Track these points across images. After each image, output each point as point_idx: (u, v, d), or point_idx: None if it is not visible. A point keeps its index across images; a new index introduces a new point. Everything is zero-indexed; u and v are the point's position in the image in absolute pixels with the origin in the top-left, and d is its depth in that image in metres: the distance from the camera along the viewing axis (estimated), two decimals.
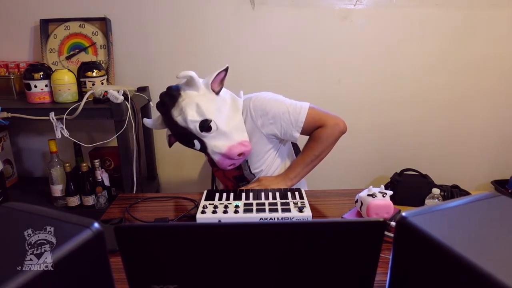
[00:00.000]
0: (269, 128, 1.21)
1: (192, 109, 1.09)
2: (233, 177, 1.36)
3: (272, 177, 1.29)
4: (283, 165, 1.37)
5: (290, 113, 1.20)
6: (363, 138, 1.96)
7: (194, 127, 1.10)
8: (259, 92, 1.26)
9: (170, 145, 1.28)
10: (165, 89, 1.16)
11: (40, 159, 1.99)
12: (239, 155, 1.14)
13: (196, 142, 1.13)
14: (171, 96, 1.11)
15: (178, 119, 1.10)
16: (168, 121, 1.13)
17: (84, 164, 1.59)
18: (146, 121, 1.25)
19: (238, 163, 1.20)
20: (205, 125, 1.09)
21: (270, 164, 1.33)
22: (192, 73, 1.09)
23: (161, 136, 1.95)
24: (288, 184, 1.26)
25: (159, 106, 1.14)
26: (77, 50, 1.76)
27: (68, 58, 1.76)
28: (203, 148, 1.14)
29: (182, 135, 1.13)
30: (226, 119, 1.13)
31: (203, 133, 1.10)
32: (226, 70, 1.16)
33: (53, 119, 1.45)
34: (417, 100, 1.90)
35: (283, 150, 1.37)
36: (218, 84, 1.16)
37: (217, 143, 1.12)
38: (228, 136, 1.13)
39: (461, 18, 1.77)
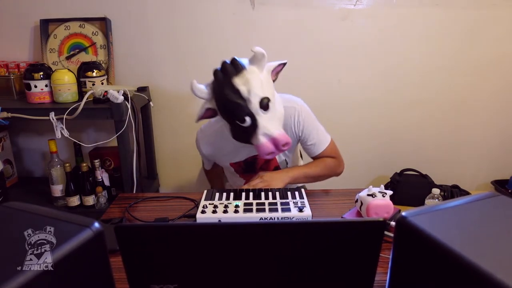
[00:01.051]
0: (294, 138, 1.27)
1: (257, 83, 1.07)
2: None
3: (273, 172, 1.29)
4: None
5: (315, 144, 1.30)
6: (363, 138, 1.96)
7: (255, 101, 1.06)
8: (299, 100, 1.30)
9: (199, 119, 1.19)
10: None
11: (40, 159, 1.99)
12: (284, 145, 1.10)
13: (247, 118, 1.08)
14: (236, 66, 1.08)
15: (242, 88, 1.06)
16: (222, 89, 1.08)
17: (84, 164, 1.59)
18: (196, 86, 1.12)
19: (275, 155, 1.16)
20: (265, 103, 1.07)
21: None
22: (265, 53, 1.08)
23: (161, 136, 1.95)
24: (286, 181, 1.25)
25: (218, 72, 1.10)
26: (77, 50, 1.76)
27: (68, 58, 1.76)
28: (252, 127, 1.09)
29: (234, 108, 1.07)
30: (278, 107, 1.13)
31: (260, 110, 1.07)
32: (284, 64, 1.17)
33: (53, 119, 1.45)
34: (417, 100, 1.90)
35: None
36: (274, 74, 1.17)
37: (269, 125, 1.08)
38: (279, 122, 1.13)
39: (461, 18, 1.77)
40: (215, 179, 1.61)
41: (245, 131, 1.11)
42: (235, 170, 1.38)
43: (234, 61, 1.09)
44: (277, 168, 1.36)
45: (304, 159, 1.81)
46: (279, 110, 1.13)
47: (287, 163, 1.38)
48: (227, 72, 1.08)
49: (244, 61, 1.11)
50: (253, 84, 1.07)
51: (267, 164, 1.34)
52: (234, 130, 1.15)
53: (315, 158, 1.34)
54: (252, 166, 1.34)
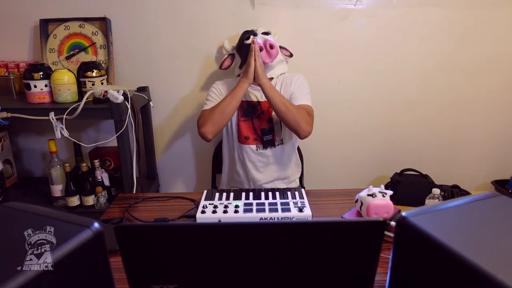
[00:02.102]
0: (289, 89, 1.55)
1: (267, 30, 1.64)
2: (261, 129, 1.55)
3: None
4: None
5: (297, 98, 1.52)
6: (363, 138, 1.96)
7: (261, 31, 1.58)
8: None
9: (221, 64, 1.66)
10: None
11: (40, 159, 1.99)
12: (271, 46, 1.49)
13: (251, 36, 1.51)
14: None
15: (255, 28, 1.62)
16: (244, 34, 1.57)
17: (84, 164, 1.59)
18: (226, 42, 1.68)
19: (262, 54, 1.47)
20: (267, 33, 1.57)
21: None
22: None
23: (161, 136, 1.95)
24: (266, 78, 1.45)
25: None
26: (77, 50, 1.76)
27: (68, 58, 1.76)
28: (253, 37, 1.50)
29: (245, 33, 1.56)
30: (276, 62, 1.57)
31: (262, 35, 1.55)
32: (290, 55, 1.70)
33: (53, 119, 1.45)
34: (417, 100, 1.90)
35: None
36: (283, 53, 1.66)
37: (264, 36, 1.54)
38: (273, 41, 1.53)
39: (461, 18, 1.77)
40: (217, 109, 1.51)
41: (248, 48, 1.47)
42: (237, 110, 1.55)
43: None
44: (271, 119, 1.55)
45: (304, 157, 1.81)
46: (276, 45, 1.55)
47: (280, 122, 1.53)
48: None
49: None
50: (263, 28, 1.62)
51: (263, 113, 1.55)
52: (242, 55, 1.55)
53: None
54: (252, 110, 1.56)
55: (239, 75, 1.59)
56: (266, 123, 1.55)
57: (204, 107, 1.53)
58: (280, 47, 1.63)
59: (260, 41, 1.49)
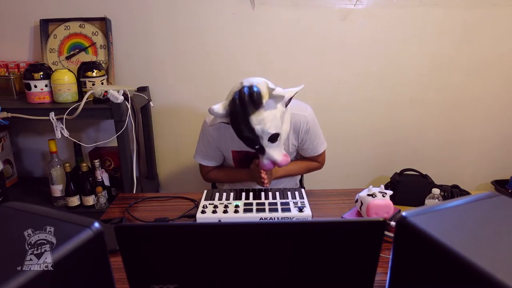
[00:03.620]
0: (297, 141, 1.40)
1: (272, 123, 1.15)
2: None
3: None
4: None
5: (311, 149, 1.43)
6: (363, 138, 1.96)
7: (266, 138, 1.17)
8: (309, 108, 1.39)
9: (211, 126, 1.30)
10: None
11: (40, 159, 1.99)
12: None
13: (257, 147, 1.20)
14: (254, 103, 1.13)
15: (257, 127, 1.14)
16: (239, 123, 1.16)
17: (84, 164, 1.59)
18: (215, 109, 1.18)
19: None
20: (275, 138, 1.18)
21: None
22: (285, 95, 1.17)
23: (161, 136, 1.95)
24: (273, 177, 1.40)
25: (236, 104, 1.14)
26: (77, 50, 1.76)
27: (68, 58, 1.76)
28: (260, 151, 1.22)
29: (247, 141, 1.20)
30: (284, 132, 1.23)
31: (268, 142, 1.18)
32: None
33: (53, 119, 1.45)
34: (417, 100, 1.90)
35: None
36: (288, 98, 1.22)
37: (274, 153, 1.21)
38: (282, 147, 1.23)
39: (461, 18, 1.77)
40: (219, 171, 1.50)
41: (255, 152, 1.25)
42: (233, 159, 1.42)
43: (252, 95, 1.12)
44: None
45: None
46: (284, 135, 1.23)
47: None
48: (245, 108, 1.13)
49: (261, 86, 1.14)
50: (268, 124, 1.14)
51: None
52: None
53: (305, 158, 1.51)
54: (252, 159, 1.38)
55: None
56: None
57: (195, 155, 1.47)
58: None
59: (269, 162, 1.22)
